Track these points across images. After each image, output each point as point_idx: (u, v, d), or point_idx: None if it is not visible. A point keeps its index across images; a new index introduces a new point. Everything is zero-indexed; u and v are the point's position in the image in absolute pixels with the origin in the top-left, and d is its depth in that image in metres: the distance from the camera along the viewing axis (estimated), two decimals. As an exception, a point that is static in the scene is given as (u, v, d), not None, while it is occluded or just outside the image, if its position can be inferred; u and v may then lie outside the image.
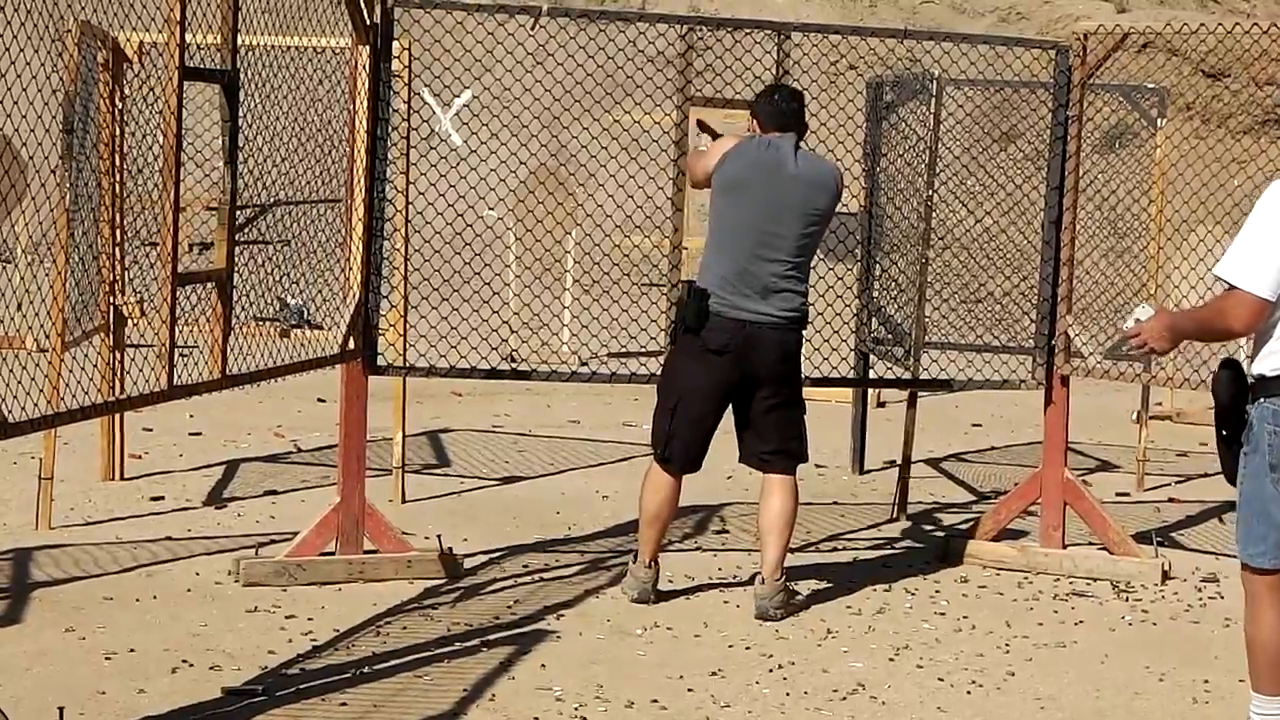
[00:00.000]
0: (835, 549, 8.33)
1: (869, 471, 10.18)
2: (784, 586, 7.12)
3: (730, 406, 7.23)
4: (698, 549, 8.22)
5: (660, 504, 7.23)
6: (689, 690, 6.14)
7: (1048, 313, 8.12)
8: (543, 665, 6.32)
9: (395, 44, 7.66)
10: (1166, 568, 7.85)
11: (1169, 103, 10.32)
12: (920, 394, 9.64)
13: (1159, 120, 9.91)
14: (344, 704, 5.77)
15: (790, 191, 7.05)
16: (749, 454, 7.39)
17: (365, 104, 7.42)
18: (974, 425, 11.99)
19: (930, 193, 8.62)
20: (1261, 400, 5.15)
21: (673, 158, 8.10)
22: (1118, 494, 9.79)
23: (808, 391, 11.67)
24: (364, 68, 7.42)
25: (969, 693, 6.23)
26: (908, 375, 8.77)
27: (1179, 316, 5.39)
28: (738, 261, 7.05)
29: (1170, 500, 9.75)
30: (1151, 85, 10.47)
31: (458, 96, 8.68)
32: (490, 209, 8.72)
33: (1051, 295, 8.11)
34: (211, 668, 6.12)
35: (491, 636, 6.64)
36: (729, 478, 9.88)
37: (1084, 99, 8.15)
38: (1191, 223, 9.40)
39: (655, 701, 6.00)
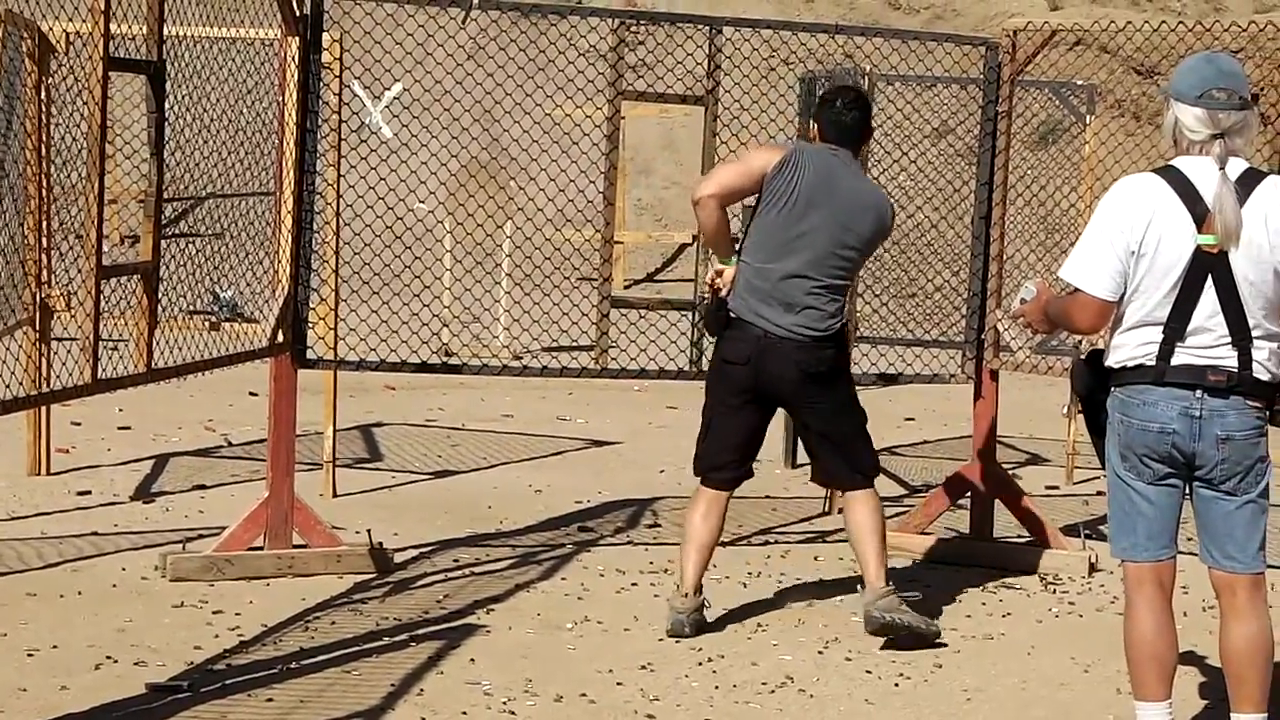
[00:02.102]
0: (767, 543, 8.35)
1: (801, 465, 10.17)
2: (891, 591, 6.79)
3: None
4: (629, 543, 8.21)
5: (694, 523, 6.89)
6: (618, 684, 6.14)
7: (978, 308, 8.15)
8: (472, 660, 6.31)
9: (325, 36, 7.62)
10: (1093, 560, 7.89)
11: (1098, 99, 10.37)
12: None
13: (1088, 117, 9.97)
14: (270, 700, 5.74)
15: (833, 210, 6.66)
16: (816, 473, 7.40)
17: (295, 96, 7.39)
18: (907, 419, 12.03)
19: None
20: (1114, 390, 5.21)
21: (604, 151, 8.09)
22: (1047, 487, 9.84)
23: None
24: (293, 60, 7.38)
25: (897, 685, 6.25)
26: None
27: (1051, 302, 5.42)
28: (765, 272, 6.71)
29: (1099, 494, 9.80)
30: (1081, 82, 10.51)
31: (388, 89, 8.65)
32: (421, 202, 8.68)
33: (981, 290, 8.14)
34: (136, 664, 6.08)
35: (420, 631, 6.62)
36: (662, 471, 9.90)
37: (1013, 95, 8.19)
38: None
39: (584, 695, 5.99)
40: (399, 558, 7.62)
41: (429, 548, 7.91)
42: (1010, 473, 8.70)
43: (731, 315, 6.78)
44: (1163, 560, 5.25)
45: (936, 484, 8.94)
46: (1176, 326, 5.07)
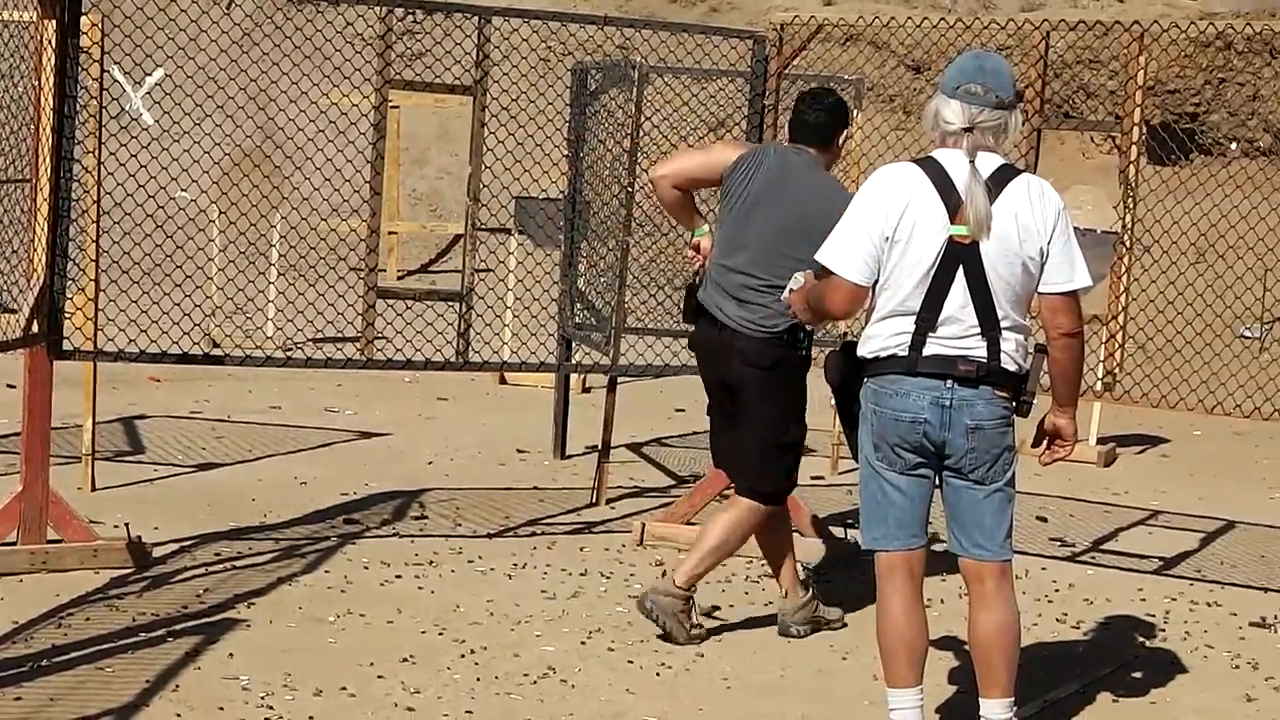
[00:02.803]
0: (534, 533, 8.33)
1: (571, 457, 10.21)
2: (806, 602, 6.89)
3: None
4: (395, 535, 8.16)
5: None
6: (379, 677, 6.10)
7: (743, 299, 8.20)
8: (230, 654, 6.22)
9: (85, 19, 7.47)
10: (855, 549, 7.99)
11: (865, 93, 10.51)
12: (623, 379, 9.69)
13: (855, 111, 10.08)
14: (19, 699, 5.61)
15: (783, 210, 6.60)
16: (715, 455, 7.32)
17: (51, 81, 7.22)
18: (678, 410, 12.09)
19: (631, 179, 8.66)
20: (867, 381, 5.31)
21: (371, 140, 8.03)
22: (812, 477, 9.93)
23: (513, 377, 11.66)
24: (50, 43, 7.22)
25: (658, 674, 6.29)
26: (606, 360, 8.81)
27: (811, 289, 5.50)
28: (721, 266, 6.71)
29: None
30: (848, 76, 10.65)
31: (149, 75, 8.51)
32: (183, 190, 8.54)
33: (747, 281, 8.18)
34: (-119, 662, 5.92)
35: (178, 626, 6.51)
36: (430, 463, 9.85)
37: (780, 88, 8.28)
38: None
39: (344, 689, 5.94)
40: (159, 552, 7.49)
41: (190, 541, 7.79)
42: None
43: (701, 305, 6.81)
44: (913, 549, 5.35)
45: (704, 475, 9.00)
46: (928, 316, 5.15)
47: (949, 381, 5.17)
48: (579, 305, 9.50)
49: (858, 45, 16.21)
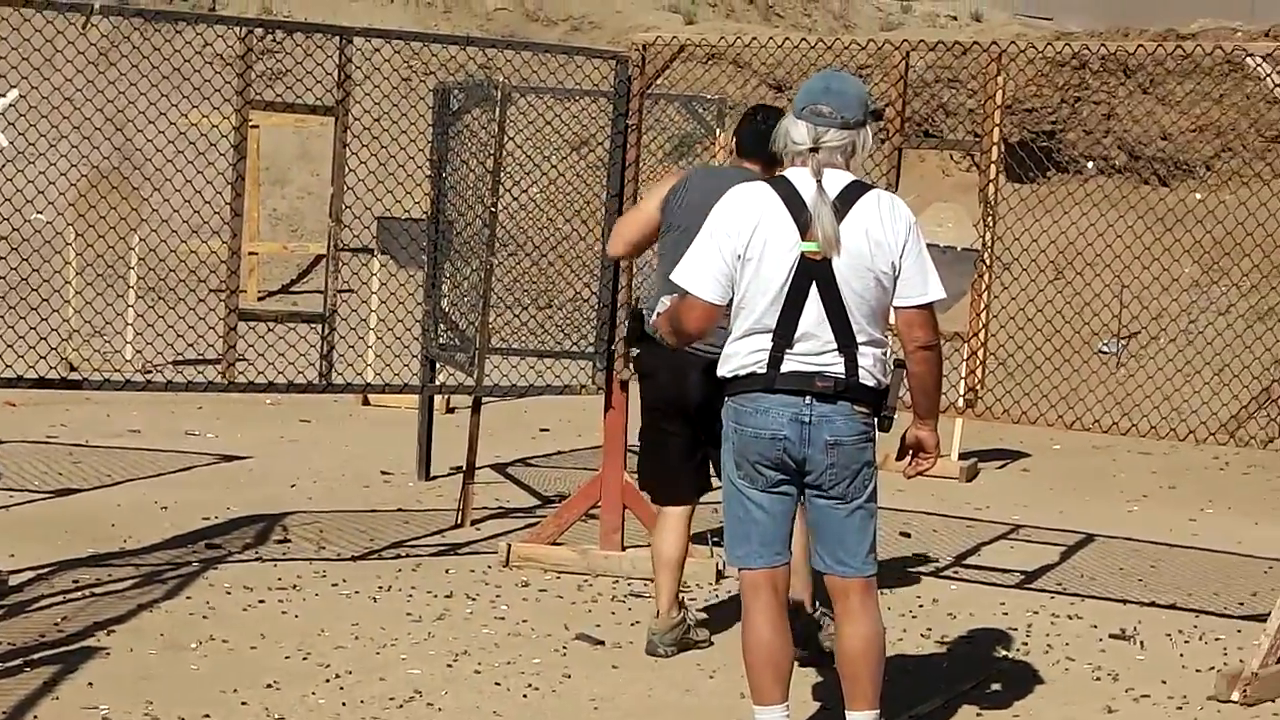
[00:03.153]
0: (399, 556, 8.28)
1: (435, 478, 10.16)
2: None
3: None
4: (258, 559, 8.07)
5: (656, 544, 6.91)
6: (243, 704, 6.03)
7: (608, 318, 8.21)
8: (90, 683, 6.12)
9: (-65, 39, 7.33)
10: (721, 567, 8.01)
11: (728, 112, 10.57)
12: (487, 399, 9.66)
13: (718, 129, 10.15)
14: None
15: None
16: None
17: (-99, 102, 7.09)
18: (542, 430, 12.08)
19: (495, 199, 8.63)
20: (728, 400, 5.34)
21: (231, 161, 7.95)
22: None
23: (376, 398, 11.63)
24: (-101, 63, 7.08)
25: (525, 696, 6.26)
26: (471, 381, 8.77)
27: (671, 310, 5.52)
28: (664, 289, 6.49)
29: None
30: (709, 95, 10.71)
31: (3, 96, 8.37)
32: (39, 213, 8.40)
33: (612, 301, 8.20)
34: None
35: (36, 656, 6.39)
36: (293, 486, 9.77)
37: (643, 108, 8.28)
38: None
39: (208, 716, 5.87)
40: (15, 580, 7.36)
41: (47, 569, 7.66)
42: (641, 482, 8.75)
43: (647, 330, 6.69)
44: (777, 566, 5.38)
45: (570, 494, 8.99)
46: (784, 333, 5.19)
47: (807, 398, 5.19)
48: (443, 326, 9.46)
49: (719, 65, 16.28)
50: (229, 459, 10.48)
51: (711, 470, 6.75)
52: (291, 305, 15.89)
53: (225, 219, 7.97)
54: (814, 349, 5.19)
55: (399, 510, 9.27)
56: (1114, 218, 8.95)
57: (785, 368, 5.20)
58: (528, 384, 8.48)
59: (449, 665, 6.59)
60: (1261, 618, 7.22)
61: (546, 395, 8.58)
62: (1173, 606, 7.82)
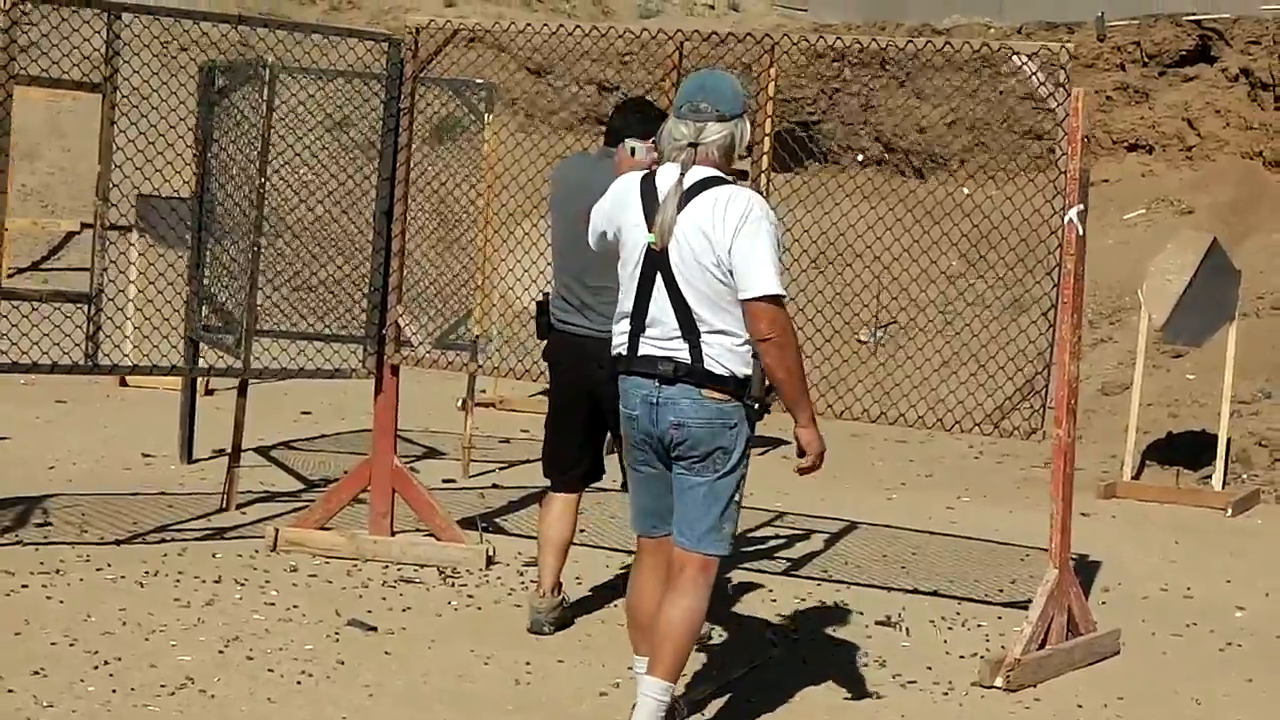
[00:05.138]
0: (163, 540, 8.15)
1: (198, 461, 10.02)
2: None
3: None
4: (19, 542, 7.90)
5: (543, 526, 7.09)
6: (9, 691, 5.90)
7: (378, 302, 8.18)
8: None
9: None
10: (490, 553, 8.03)
11: (497, 98, 10.56)
12: (251, 382, 9.55)
13: (487, 115, 10.14)
14: None
15: (565, 212, 6.83)
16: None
17: None
18: (304, 413, 11.98)
19: (262, 180, 8.53)
20: (621, 377, 5.58)
21: (-8, 136, 7.74)
22: (445, 480, 9.96)
23: (134, 379, 11.40)
24: None
25: (299, 683, 6.22)
26: (238, 363, 8.66)
27: None
28: (559, 279, 6.92)
29: (494, 486, 9.99)
30: (480, 80, 10.69)
31: None
32: None
33: (382, 285, 8.16)
34: None
35: None
36: (51, 468, 9.58)
37: (415, 92, 8.25)
38: (518, 215, 9.66)
39: (-28, 704, 5.75)
40: None
41: None
42: (409, 466, 8.75)
43: (552, 322, 6.93)
44: (652, 536, 5.64)
45: (336, 478, 8.94)
46: (639, 319, 5.48)
47: (655, 380, 5.45)
48: (207, 307, 9.33)
49: (478, 49, 16.26)
50: (-17, 440, 10.25)
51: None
52: (43, 283, 15.53)
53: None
54: (663, 334, 5.44)
55: (162, 493, 9.13)
56: (869, 208, 9.10)
57: (640, 351, 5.49)
58: (298, 367, 8.40)
59: (220, 651, 6.52)
60: (1021, 604, 7.45)
61: (316, 379, 8.48)
62: (935, 593, 8.01)
